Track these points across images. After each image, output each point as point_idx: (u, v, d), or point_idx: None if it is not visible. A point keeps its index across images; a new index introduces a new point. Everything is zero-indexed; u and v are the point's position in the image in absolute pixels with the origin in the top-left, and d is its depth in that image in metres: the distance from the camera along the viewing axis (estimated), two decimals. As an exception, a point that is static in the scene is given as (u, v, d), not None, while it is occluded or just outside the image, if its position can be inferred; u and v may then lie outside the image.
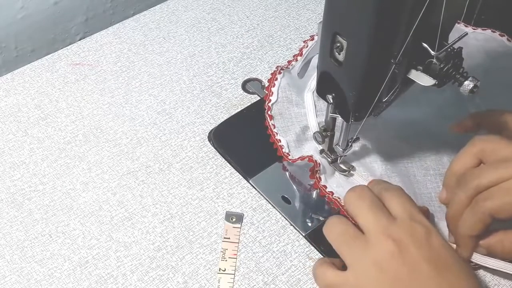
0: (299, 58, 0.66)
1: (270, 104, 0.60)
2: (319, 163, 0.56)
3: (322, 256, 0.53)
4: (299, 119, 0.61)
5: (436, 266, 0.44)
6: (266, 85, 0.63)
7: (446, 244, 0.45)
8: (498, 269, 0.50)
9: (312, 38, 0.66)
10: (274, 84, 0.61)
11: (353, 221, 0.48)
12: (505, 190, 0.45)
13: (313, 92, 0.62)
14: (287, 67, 0.64)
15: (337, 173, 0.58)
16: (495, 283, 0.51)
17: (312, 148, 0.59)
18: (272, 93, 0.61)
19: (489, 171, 0.47)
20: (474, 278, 0.45)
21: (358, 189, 0.49)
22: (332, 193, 0.55)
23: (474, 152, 0.49)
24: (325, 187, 0.56)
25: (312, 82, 0.63)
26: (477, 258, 0.50)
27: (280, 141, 0.58)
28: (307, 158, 0.56)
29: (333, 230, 0.48)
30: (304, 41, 0.65)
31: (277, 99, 0.61)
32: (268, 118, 0.60)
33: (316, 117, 0.60)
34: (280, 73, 0.62)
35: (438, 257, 0.44)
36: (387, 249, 0.44)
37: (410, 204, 0.48)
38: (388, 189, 0.49)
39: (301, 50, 0.66)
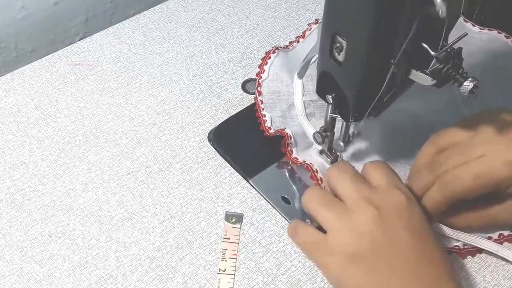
0: (301, 40, 0.68)
1: (260, 81, 0.63)
2: (290, 136, 0.58)
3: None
4: (287, 97, 0.63)
5: (415, 235, 0.45)
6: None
7: (423, 214, 0.47)
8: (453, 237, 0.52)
9: (316, 22, 0.67)
10: (267, 62, 0.64)
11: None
12: (473, 174, 0.47)
13: None
14: (286, 48, 0.67)
15: (309, 149, 0.59)
16: (495, 283, 0.51)
17: (295, 124, 0.60)
18: (264, 70, 0.64)
19: (453, 157, 0.49)
20: (442, 248, 0.47)
21: (339, 164, 0.50)
22: (304, 161, 0.57)
23: (433, 151, 0.51)
24: (297, 159, 0.58)
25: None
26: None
27: (265, 116, 0.60)
28: (280, 132, 0.58)
29: (312, 196, 0.49)
30: (308, 24, 0.67)
31: (267, 77, 0.63)
32: (257, 93, 0.62)
33: (303, 96, 0.62)
34: (274, 52, 0.65)
35: (417, 225, 0.45)
36: (367, 214, 0.45)
37: (392, 174, 0.49)
38: (371, 162, 0.50)
39: (304, 32, 0.68)
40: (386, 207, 0.45)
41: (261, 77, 0.63)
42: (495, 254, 0.52)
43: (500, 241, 0.52)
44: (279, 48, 0.66)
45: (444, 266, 0.45)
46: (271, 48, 0.66)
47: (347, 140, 0.55)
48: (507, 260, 0.52)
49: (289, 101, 0.63)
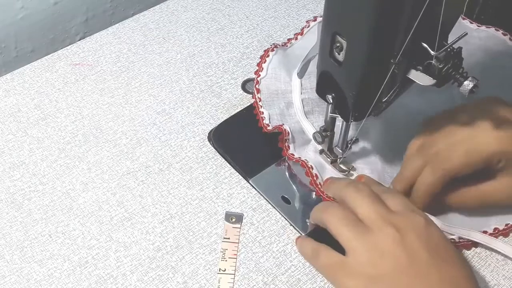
0: (299, 37, 0.69)
1: (259, 79, 0.63)
2: (288, 132, 0.58)
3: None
4: (285, 95, 0.63)
5: (435, 255, 0.45)
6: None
7: (443, 235, 0.47)
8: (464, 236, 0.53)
9: (315, 19, 0.67)
10: (265, 60, 0.65)
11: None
12: (464, 151, 0.49)
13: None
14: (285, 45, 0.67)
15: (307, 146, 0.59)
16: (495, 283, 0.51)
17: (294, 122, 0.61)
18: (262, 68, 0.64)
19: (442, 138, 0.51)
20: (469, 268, 0.47)
21: (356, 183, 0.51)
22: (300, 158, 0.57)
23: (423, 138, 0.53)
24: (293, 155, 0.58)
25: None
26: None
27: (263, 113, 0.60)
28: (278, 128, 0.59)
29: (334, 213, 0.48)
30: (306, 21, 0.67)
31: (266, 75, 0.64)
32: (256, 91, 0.62)
33: (301, 94, 0.63)
34: (273, 50, 0.65)
35: (437, 246, 0.45)
36: (388, 235, 0.45)
37: (408, 201, 0.50)
38: (386, 191, 0.51)
39: (302, 29, 0.68)
40: (406, 228, 0.45)
41: (259, 75, 0.63)
42: (490, 248, 0.52)
43: (495, 235, 0.53)
44: (278, 46, 0.66)
45: (467, 286, 0.45)
46: (269, 46, 0.66)
47: (346, 147, 0.55)
48: (501, 253, 0.52)
49: (288, 99, 0.63)
